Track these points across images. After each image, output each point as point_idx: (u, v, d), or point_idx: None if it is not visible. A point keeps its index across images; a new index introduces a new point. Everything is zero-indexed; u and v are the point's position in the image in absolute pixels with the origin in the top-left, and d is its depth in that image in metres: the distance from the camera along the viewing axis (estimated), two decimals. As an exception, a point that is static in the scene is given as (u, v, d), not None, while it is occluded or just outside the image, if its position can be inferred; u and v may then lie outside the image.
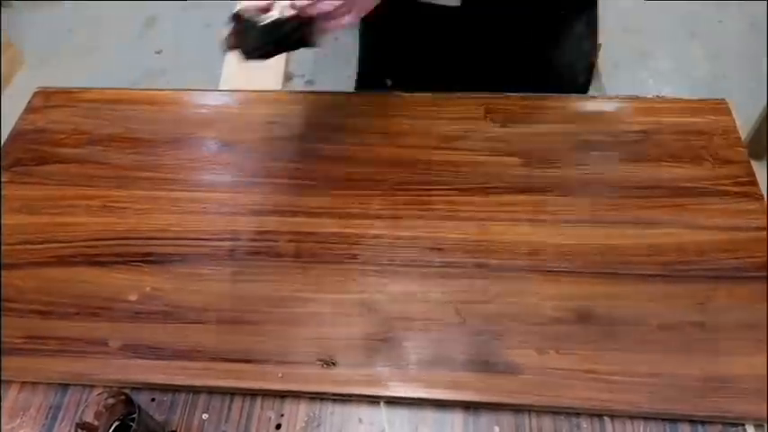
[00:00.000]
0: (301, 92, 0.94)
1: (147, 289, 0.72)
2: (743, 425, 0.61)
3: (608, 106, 0.88)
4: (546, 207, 0.76)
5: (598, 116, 0.86)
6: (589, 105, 0.88)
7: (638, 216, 0.75)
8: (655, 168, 0.79)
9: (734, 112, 0.85)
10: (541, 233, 0.74)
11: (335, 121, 0.87)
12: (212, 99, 0.93)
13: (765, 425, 0.61)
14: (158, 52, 2.38)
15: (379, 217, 0.77)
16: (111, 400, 0.59)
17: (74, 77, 2.27)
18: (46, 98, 0.94)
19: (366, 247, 0.74)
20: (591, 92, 1.02)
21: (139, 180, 0.82)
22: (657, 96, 0.89)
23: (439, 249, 0.73)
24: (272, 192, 0.80)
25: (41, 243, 0.77)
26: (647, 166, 0.80)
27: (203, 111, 0.91)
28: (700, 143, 0.82)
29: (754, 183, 0.77)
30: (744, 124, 1.79)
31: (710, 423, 0.61)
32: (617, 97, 0.89)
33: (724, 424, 0.61)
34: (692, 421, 0.61)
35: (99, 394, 0.58)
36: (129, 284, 0.72)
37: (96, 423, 0.58)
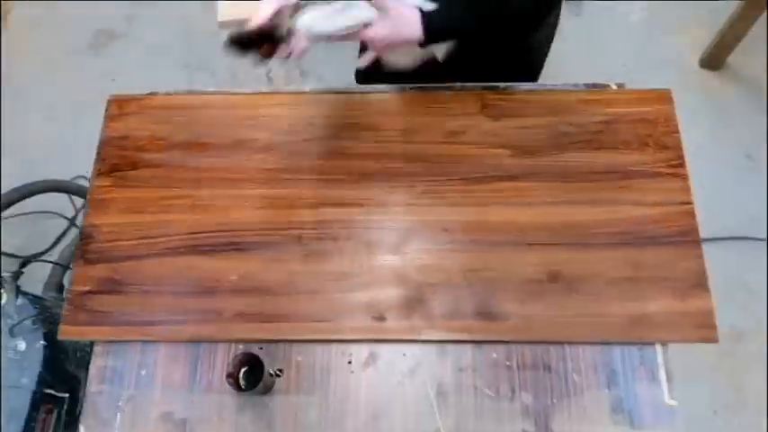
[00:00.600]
0: (325, 92, 1.14)
1: (242, 271, 0.99)
2: (653, 344, 0.93)
3: (577, 98, 1.10)
4: (529, 191, 1.03)
5: (571, 108, 1.09)
6: (563, 98, 1.10)
7: (597, 197, 1.02)
8: (611, 155, 1.05)
9: (674, 100, 1.08)
10: (525, 214, 1.01)
11: (362, 121, 1.10)
12: (260, 102, 1.13)
13: (667, 345, 0.93)
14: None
15: (402, 205, 1.03)
16: (242, 356, 0.89)
17: (71, 7, 2.33)
18: (119, 106, 1.14)
19: (396, 232, 1.01)
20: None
21: (215, 180, 1.06)
22: (617, 86, 1.11)
23: (449, 230, 1.01)
24: (320, 186, 1.05)
25: (154, 238, 1.03)
26: (605, 153, 1.05)
27: (254, 114, 1.12)
28: (646, 131, 1.06)
29: (683, 165, 1.04)
30: (706, 35, 1.98)
31: (632, 344, 0.93)
32: (585, 90, 1.11)
33: (641, 345, 0.93)
34: (621, 344, 0.94)
35: (236, 356, 0.89)
36: (228, 268, 1.00)
37: (235, 372, 0.89)
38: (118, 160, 1.09)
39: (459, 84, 1.12)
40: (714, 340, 0.93)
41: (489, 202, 1.02)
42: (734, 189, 1.93)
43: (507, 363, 0.94)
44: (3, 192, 1.59)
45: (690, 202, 1.01)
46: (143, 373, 0.96)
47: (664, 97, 1.09)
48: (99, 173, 1.09)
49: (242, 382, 0.91)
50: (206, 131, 1.11)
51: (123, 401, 0.94)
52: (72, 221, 1.95)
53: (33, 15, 2.35)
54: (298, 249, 1.00)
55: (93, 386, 0.95)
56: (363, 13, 0.92)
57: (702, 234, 1.85)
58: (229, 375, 0.88)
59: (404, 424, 0.92)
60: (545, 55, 1.26)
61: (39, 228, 1.97)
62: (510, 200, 1.02)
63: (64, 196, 1.92)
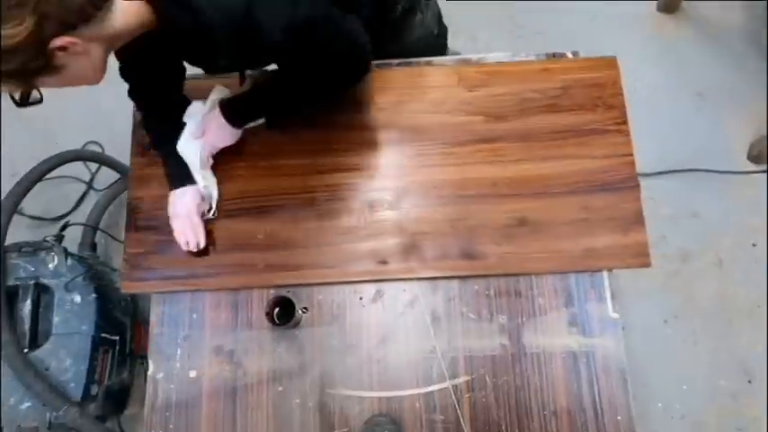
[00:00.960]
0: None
1: (267, 230, 1.21)
2: (600, 272, 1.18)
3: (539, 67, 1.29)
4: (500, 152, 1.24)
5: (534, 77, 1.28)
6: (527, 68, 1.29)
7: (557, 153, 1.23)
8: (568, 116, 1.25)
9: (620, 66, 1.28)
10: (497, 170, 1.23)
11: (359, 96, 1.28)
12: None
13: (612, 271, 1.18)
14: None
15: (396, 167, 1.23)
16: (275, 298, 1.12)
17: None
18: (146, 91, 1.31)
19: (393, 191, 1.22)
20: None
21: (237, 153, 1.25)
22: (573, 54, 1.30)
23: (436, 187, 1.22)
24: (325, 155, 1.25)
25: (190, 206, 1.23)
26: (563, 115, 1.26)
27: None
28: (596, 94, 1.26)
29: (626, 122, 1.25)
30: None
31: (584, 272, 1.18)
32: (546, 60, 1.30)
33: (591, 272, 1.18)
34: (576, 272, 1.18)
35: (270, 298, 1.11)
36: (255, 228, 1.21)
37: (270, 311, 1.12)
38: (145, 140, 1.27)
39: (437, 58, 1.31)
40: (648, 265, 1.17)
41: (468, 162, 1.23)
42: (687, 125, 2.15)
43: (486, 292, 1.18)
44: (31, 164, 1.75)
45: (630, 154, 1.23)
46: (194, 316, 1.19)
47: (611, 64, 1.29)
48: (136, 153, 1.27)
49: (276, 319, 1.15)
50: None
51: (181, 339, 1.18)
52: (90, 185, 2.13)
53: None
54: (312, 210, 1.22)
55: (156, 329, 1.18)
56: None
57: (658, 167, 2.11)
58: (267, 314, 1.11)
59: (406, 344, 1.17)
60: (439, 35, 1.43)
61: (58, 192, 2.14)
62: (485, 159, 1.23)
63: (77, 162, 2.09)
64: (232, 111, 1.15)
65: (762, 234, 2.03)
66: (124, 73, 1.13)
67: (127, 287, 1.20)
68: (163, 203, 1.23)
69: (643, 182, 2.02)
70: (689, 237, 2.04)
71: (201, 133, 1.16)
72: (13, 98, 0.85)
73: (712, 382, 1.91)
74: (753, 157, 2.10)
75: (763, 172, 2.07)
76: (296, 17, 0.89)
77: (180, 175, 1.18)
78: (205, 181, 1.19)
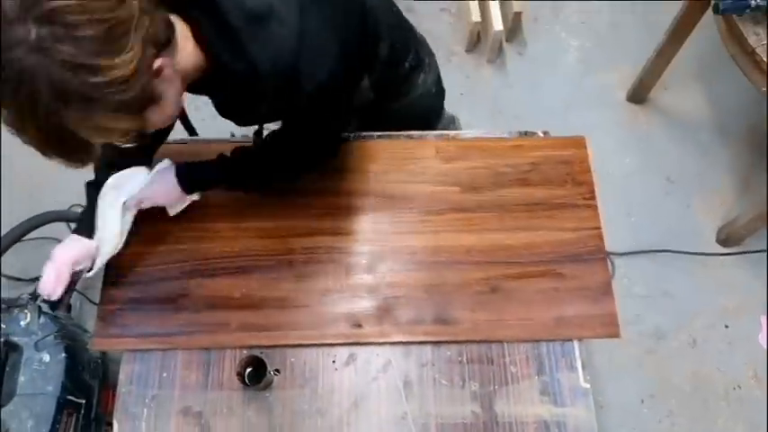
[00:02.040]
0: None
1: (244, 290, 1.22)
2: (571, 341, 1.20)
3: (512, 144, 1.37)
4: (474, 221, 1.28)
5: (507, 152, 1.35)
6: (500, 144, 1.37)
7: (528, 224, 1.28)
8: (539, 190, 1.31)
9: (588, 147, 1.36)
10: (471, 238, 1.27)
11: (342, 164, 1.34)
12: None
13: (582, 340, 1.20)
14: None
15: (374, 232, 1.27)
16: (247, 358, 1.12)
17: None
18: (135, 152, 1.35)
19: (369, 255, 1.25)
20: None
21: (219, 215, 1.28)
22: (544, 133, 1.38)
23: (412, 253, 1.26)
24: (307, 218, 1.28)
25: (168, 264, 1.24)
26: (534, 189, 1.32)
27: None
28: (566, 171, 1.33)
29: (593, 197, 1.31)
30: (631, 73, 2.27)
31: (554, 341, 1.19)
32: (518, 137, 1.38)
33: (562, 341, 1.20)
34: (547, 341, 1.20)
35: (243, 358, 1.11)
36: (233, 287, 1.22)
37: (241, 371, 1.12)
38: (135, 199, 1.31)
39: (417, 133, 1.38)
40: (617, 335, 1.20)
41: (443, 229, 1.28)
42: (657, 207, 2.24)
43: (459, 358, 1.19)
44: (11, 226, 1.76)
45: (599, 227, 1.28)
46: (164, 375, 1.17)
47: (579, 143, 1.37)
48: (119, 210, 1.30)
49: (247, 380, 1.14)
50: (209, 174, 1.33)
51: (149, 399, 1.16)
52: (70, 246, 2.13)
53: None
54: (290, 271, 1.24)
55: (124, 387, 1.17)
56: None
57: (629, 248, 2.17)
58: (238, 374, 1.11)
59: (378, 409, 1.16)
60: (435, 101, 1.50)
61: (38, 253, 2.13)
62: (460, 227, 1.28)
63: (60, 223, 2.11)
64: (190, 177, 1.16)
65: (733, 315, 2.07)
66: None
67: (98, 344, 1.19)
68: (140, 261, 1.24)
69: (616, 261, 2.12)
70: (663, 316, 2.07)
71: (136, 203, 1.16)
72: (104, 148, 0.81)
73: (691, 465, 1.88)
74: (721, 241, 2.17)
75: (733, 254, 2.14)
76: (333, 73, 0.91)
77: (86, 224, 1.15)
78: (105, 241, 1.14)
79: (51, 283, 1.10)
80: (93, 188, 1.17)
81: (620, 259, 2.13)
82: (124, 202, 1.14)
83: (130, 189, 1.15)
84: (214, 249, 1.26)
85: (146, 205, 1.18)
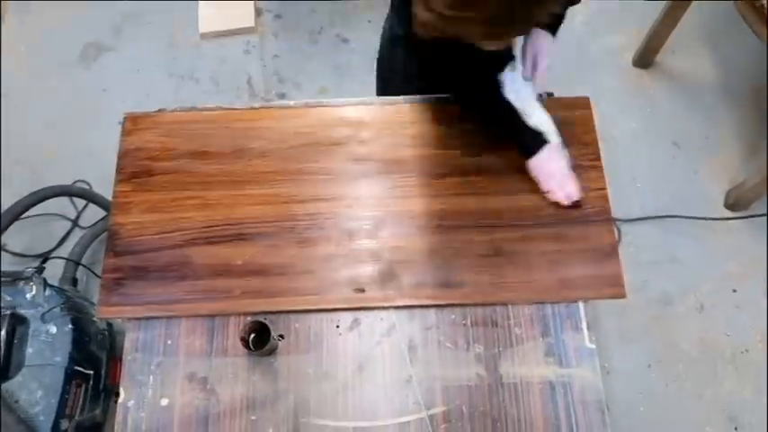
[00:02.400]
0: (310, 105, 1.36)
1: (246, 256, 1.22)
2: (576, 302, 1.19)
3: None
4: (477, 184, 1.27)
5: (509, 114, 1.33)
6: (504, 106, 1.34)
7: (531, 186, 1.26)
8: (542, 152, 1.29)
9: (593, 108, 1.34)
10: (474, 202, 1.25)
11: (340, 129, 1.32)
12: (254, 116, 1.34)
13: (587, 301, 1.19)
14: (134, -8, 2.58)
15: (375, 197, 1.26)
16: (251, 324, 1.12)
17: (61, 22, 2.50)
18: (134, 122, 1.34)
19: (372, 220, 1.24)
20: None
21: (220, 183, 1.28)
22: (548, 94, 1.36)
23: (413, 218, 1.24)
24: (308, 185, 1.27)
25: (171, 232, 1.24)
26: (538, 150, 1.29)
27: (250, 126, 1.33)
28: (570, 132, 1.30)
29: (599, 158, 1.29)
30: (637, 36, 2.23)
31: (559, 303, 1.19)
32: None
33: (567, 303, 1.19)
34: (552, 303, 1.19)
35: (247, 324, 1.11)
36: (235, 254, 1.22)
37: (245, 336, 1.12)
38: (135, 169, 1.30)
39: (415, 96, 1.36)
40: (622, 296, 1.18)
41: (445, 193, 1.26)
42: (663, 172, 2.21)
43: (463, 321, 1.19)
44: (16, 200, 1.77)
45: (604, 188, 1.26)
46: (169, 342, 1.18)
47: (583, 103, 1.34)
48: (120, 180, 1.29)
49: (251, 345, 1.14)
50: (210, 142, 1.32)
51: (154, 366, 1.16)
52: (75, 222, 2.14)
53: (25, 31, 2.51)
54: (292, 237, 1.23)
55: (129, 355, 1.17)
56: None
57: (636, 213, 2.15)
58: (242, 339, 1.11)
59: (383, 373, 1.16)
60: None
61: (42, 229, 2.15)
62: (461, 191, 1.26)
63: (63, 199, 2.11)
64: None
65: (741, 280, 2.05)
66: None
67: (103, 312, 1.19)
68: (142, 230, 1.24)
69: (623, 227, 2.10)
70: (670, 282, 2.06)
71: (531, 68, 1.16)
72: None
73: (698, 429, 1.88)
74: (729, 205, 2.14)
75: (740, 218, 2.12)
76: None
77: (535, 138, 1.19)
78: (544, 123, 1.18)
79: (571, 188, 1.20)
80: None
81: (627, 225, 2.11)
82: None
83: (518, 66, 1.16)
84: (215, 217, 1.25)
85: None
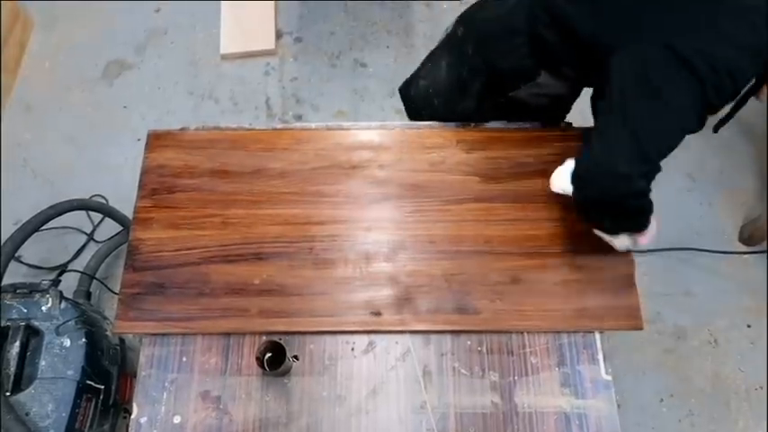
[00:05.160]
0: (330, 128, 1.37)
1: (264, 276, 1.22)
2: (592, 332, 1.18)
3: (535, 135, 1.35)
4: (495, 211, 1.27)
5: (527, 143, 1.34)
6: (523, 135, 1.35)
7: (548, 215, 1.27)
8: (560, 181, 1.30)
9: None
10: (492, 229, 1.26)
11: (359, 152, 1.33)
12: (275, 137, 1.36)
13: (604, 332, 1.18)
14: (157, 11, 2.64)
15: (393, 221, 1.27)
16: (267, 344, 1.12)
17: (85, 39, 2.55)
18: (157, 138, 1.36)
19: (389, 244, 1.24)
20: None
21: (239, 202, 1.29)
22: (566, 124, 1.37)
23: (432, 242, 1.25)
24: (327, 207, 1.28)
25: (190, 249, 1.25)
26: (555, 179, 1.30)
27: (270, 146, 1.35)
28: (589, 162, 1.31)
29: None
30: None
31: (576, 333, 1.18)
32: (540, 128, 1.36)
33: (584, 333, 1.18)
34: (568, 332, 1.18)
35: (262, 343, 1.11)
36: (252, 273, 1.22)
37: (261, 356, 1.12)
38: (157, 185, 1.31)
39: (437, 122, 1.37)
40: (640, 327, 1.18)
41: (463, 219, 1.27)
42: (678, 204, 2.21)
43: (479, 348, 1.18)
44: (35, 213, 1.78)
45: (622, 219, 1.26)
46: (184, 359, 1.18)
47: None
48: (142, 196, 1.31)
49: (266, 365, 1.14)
50: (231, 161, 1.33)
51: (168, 383, 1.16)
52: (90, 236, 2.15)
53: (50, 47, 2.56)
54: (309, 258, 1.24)
55: (144, 371, 1.17)
56: None
57: (651, 245, 2.13)
58: (257, 359, 1.11)
59: (397, 398, 1.15)
60: None
61: (58, 242, 2.16)
62: (480, 217, 1.27)
63: (79, 213, 2.12)
64: None
65: (756, 315, 2.03)
66: None
67: (119, 327, 1.20)
68: (161, 247, 1.25)
69: (637, 259, 2.07)
70: (683, 315, 2.04)
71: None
72: None
73: (711, 466, 1.85)
74: (744, 239, 2.13)
75: (755, 253, 2.10)
76: None
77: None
78: None
79: None
80: None
81: (641, 257, 2.09)
82: None
83: None
84: (233, 235, 1.26)
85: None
